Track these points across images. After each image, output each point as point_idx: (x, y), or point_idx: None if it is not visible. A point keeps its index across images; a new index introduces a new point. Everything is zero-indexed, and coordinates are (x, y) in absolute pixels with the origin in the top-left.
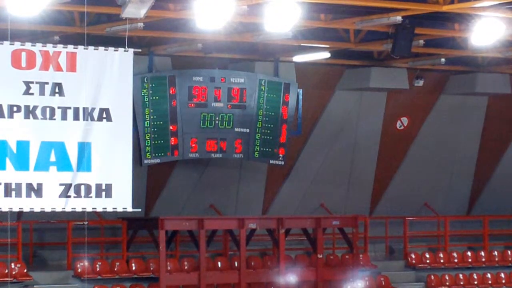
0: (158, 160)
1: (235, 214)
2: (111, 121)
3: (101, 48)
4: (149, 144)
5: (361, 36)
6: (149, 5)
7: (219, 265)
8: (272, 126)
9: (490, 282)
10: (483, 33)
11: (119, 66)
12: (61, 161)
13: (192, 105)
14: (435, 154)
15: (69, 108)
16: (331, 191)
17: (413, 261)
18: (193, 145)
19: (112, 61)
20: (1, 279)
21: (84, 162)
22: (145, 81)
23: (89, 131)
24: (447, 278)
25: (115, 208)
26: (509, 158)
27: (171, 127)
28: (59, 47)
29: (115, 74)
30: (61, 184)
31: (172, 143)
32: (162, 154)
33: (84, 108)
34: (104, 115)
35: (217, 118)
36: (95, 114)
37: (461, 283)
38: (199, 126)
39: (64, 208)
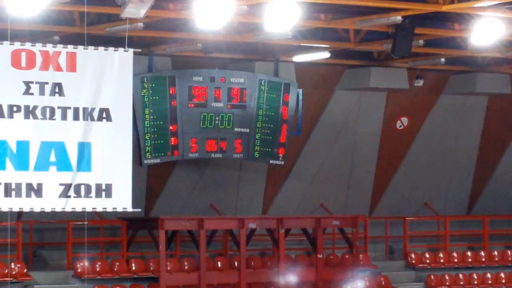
0: (158, 160)
1: (235, 214)
2: (111, 121)
3: (101, 48)
4: (149, 144)
5: (361, 36)
6: (149, 5)
7: (219, 265)
8: (272, 126)
9: (490, 282)
10: (483, 33)
11: (119, 66)
12: (61, 161)
13: (192, 105)
14: (435, 154)
15: (69, 108)
16: (331, 191)
17: (413, 261)
18: (193, 145)
19: (112, 61)
20: (1, 279)
21: (84, 162)
22: (145, 81)
23: (89, 131)
24: (447, 278)
25: (115, 208)
26: (509, 158)
27: (171, 127)
28: (59, 47)
29: (115, 74)
30: (61, 184)
31: (172, 143)
32: (162, 154)
33: (84, 108)
34: (104, 115)
35: (217, 118)
36: (95, 114)
37: (461, 283)
38: (199, 126)
39: (64, 208)
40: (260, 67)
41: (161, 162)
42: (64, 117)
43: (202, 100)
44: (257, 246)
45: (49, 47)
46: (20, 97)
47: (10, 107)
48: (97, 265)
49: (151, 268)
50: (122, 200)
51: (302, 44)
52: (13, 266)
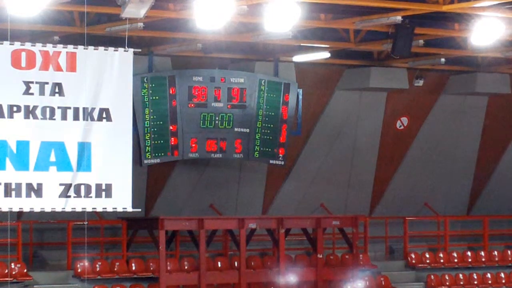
0: (158, 160)
1: (235, 214)
2: (111, 121)
3: (101, 48)
4: (149, 144)
5: (361, 36)
6: (149, 5)
7: (219, 265)
8: (272, 126)
9: (490, 282)
10: (483, 33)
11: (119, 66)
12: (61, 161)
13: (192, 105)
14: (435, 154)
15: (69, 108)
16: (331, 191)
17: (413, 261)
18: (193, 145)
19: (112, 61)
20: (1, 279)
21: (84, 162)
22: (145, 81)
23: (89, 131)
24: (447, 278)
25: (115, 208)
26: (509, 158)
27: (171, 127)
28: (59, 47)
29: (115, 74)
30: (61, 184)
31: (172, 143)
32: (162, 154)
33: (84, 108)
34: (104, 115)
35: (217, 118)
36: (95, 114)
37: (461, 283)
38: (199, 126)
39: (64, 208)
40: (260, 67)
41: (161, 162)
42: (64, 117)
43: (202, 100)
44: (257, 246)
45: (49, 47)
46: (20, 97)
47: (10, 107)
48: (97, 265)
49: (151, 268)
50: (122, 200)
51: (302, 44)
52: (13, 266)
